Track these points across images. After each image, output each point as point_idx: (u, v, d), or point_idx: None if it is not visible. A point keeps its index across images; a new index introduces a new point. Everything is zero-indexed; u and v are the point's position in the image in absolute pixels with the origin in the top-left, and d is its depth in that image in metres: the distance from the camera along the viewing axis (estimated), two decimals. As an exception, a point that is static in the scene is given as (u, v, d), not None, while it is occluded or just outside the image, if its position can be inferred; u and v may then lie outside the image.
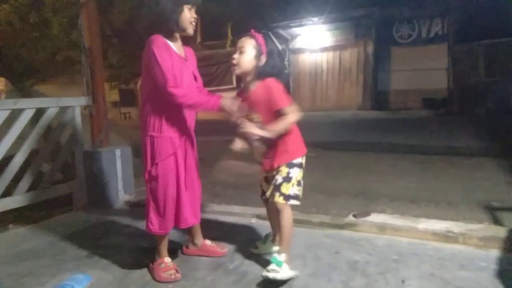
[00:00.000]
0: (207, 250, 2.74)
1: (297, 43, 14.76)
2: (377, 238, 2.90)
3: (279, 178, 2.34)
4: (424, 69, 12.66)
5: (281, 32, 13.80)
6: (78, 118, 4.00)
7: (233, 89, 14.01)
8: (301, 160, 2.39)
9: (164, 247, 2.53)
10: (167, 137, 2.38)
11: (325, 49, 14.41)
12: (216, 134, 9.19)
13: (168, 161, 2.39)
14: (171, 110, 2.37)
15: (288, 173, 2.33)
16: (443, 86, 12.26)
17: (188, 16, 2.36)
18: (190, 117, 2.51)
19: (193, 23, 2.40)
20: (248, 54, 2.36)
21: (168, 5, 2.29)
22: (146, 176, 2.44)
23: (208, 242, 2.77)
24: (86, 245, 3.00)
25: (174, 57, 2.32)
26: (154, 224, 2.45)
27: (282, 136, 2.32)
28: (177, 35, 2.42)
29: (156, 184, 2.41)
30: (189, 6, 2.35)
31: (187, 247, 2.80)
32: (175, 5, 2.31)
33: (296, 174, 2.35)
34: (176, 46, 2.40)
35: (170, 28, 2.35)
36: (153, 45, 2.27)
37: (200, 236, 2.77)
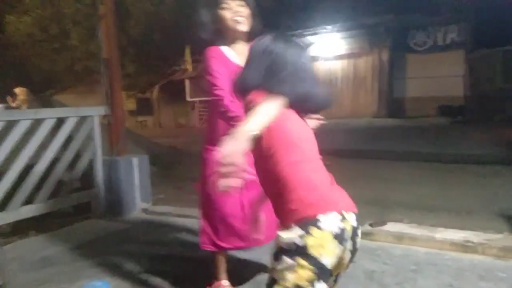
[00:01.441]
0: None
1: (311, 52, 14.80)
2: (393, 248, 2.88)
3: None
4: (440, 76, 12.54)
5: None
6: (97, 127, 4.07)
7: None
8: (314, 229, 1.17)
9: (219, 267, 2.27)
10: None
11: (339, 57, 14.41)
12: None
13: None
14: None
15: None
16: (459, 93, 12.13)
17: (228, 15, 2.08)
18: None
19: (238, 19, 2.08)
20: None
21: (203, 17, 2.14)
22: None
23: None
24: (105, 252, 3.05)
25: (229, 66, 2.08)
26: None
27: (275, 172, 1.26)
28: (233, 37, 2.15)
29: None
30: (223, 5, 2.08)
31: None
32: (210, 14, 2.12)
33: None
34: (237, 50, 2.15)
35: (219, 35, 2.15)
36: (205, 60, 2.13)
37: None
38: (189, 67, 17.10)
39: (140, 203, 4.12)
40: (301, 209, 1.19)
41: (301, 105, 1.34)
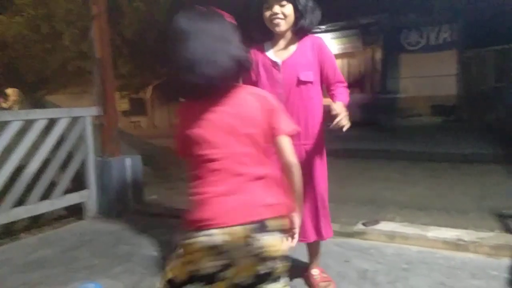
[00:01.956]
0: (309, 283, 2.38)
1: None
2: (386, 247, 2.89)
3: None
4: (433, 76, 12.61)
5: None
6: (89, 128, 4.05)
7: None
8: None
9: None
10: None
11: (333, 57, 14.44)
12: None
13: None
14: None
15: None
16: (452, 93, 12.20)
17: (267, 15, 2.11)
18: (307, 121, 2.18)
19: (275, 21, 2.09)
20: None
21: (250, 21, 2.19)
22: None
23: (315, 271, 2.40)
24: (97, 254, 3.03)
25: (264, 62, 2.16)
26: None
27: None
28: (275, 34, 2.17)
29: None
30: (266, 5, 2.11)
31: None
32: (252, 17, 2.18)
33: None
34: (278, 47, 2.18)
35: (261, 35, 2.20)
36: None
37: (311, 263, 2.43)
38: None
39: (133, 204, 4.11)
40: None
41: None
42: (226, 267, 1.25)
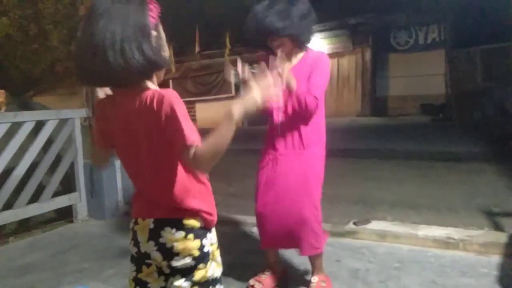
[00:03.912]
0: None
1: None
2: (377, 246, 2.90)
3: None
4: (422, 75, 12.71)
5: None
6: (78, 130, 4.01)
7: (231, 97, 14.06)
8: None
9: (268, 260, 2.41)
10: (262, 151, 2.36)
11: (323, 57, 14.49)
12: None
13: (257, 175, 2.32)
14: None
15: None
16: (441, 92, 12.31)
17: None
18: (284, 132, 2.24)
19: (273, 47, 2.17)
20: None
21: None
22: None
23: (314, 279, 2.33)
24: (87, 257, 3.00)
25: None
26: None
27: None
28: (275, 49, 2.20)
29: None
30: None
31: None
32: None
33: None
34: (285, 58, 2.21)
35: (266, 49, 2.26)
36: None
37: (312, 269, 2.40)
38: (172, 67, 16.97)
39: (123, 206, 4.07)
40: None
41: None
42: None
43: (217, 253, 1.37)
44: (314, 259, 2.32)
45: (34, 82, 14.14)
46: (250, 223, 3.41)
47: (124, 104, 1.21)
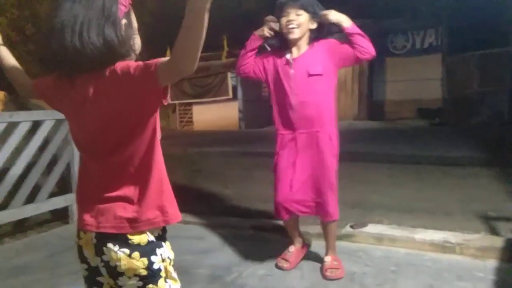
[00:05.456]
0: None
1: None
2: (374, 249, 2.90)
3: None
4: (418, 80, 12.77)
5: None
6: (75, 131, 3.99)
7: (229, 99, 14.07)
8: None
9: (290, 233, 2.69)
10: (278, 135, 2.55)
11: (320, 60, 14.52)
12: (214, 145, 9.22)
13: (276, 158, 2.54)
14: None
15: None
16: (437, 96, 12.37)
17: (283, 23, 2.42)
18: (301, 114, 2.44)
19: (290, 27, 2.39)
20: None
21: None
22: None
23: (327, 258, 2.60)
24: (83, 259, 2.98)
25: (280, 63, 2.49)
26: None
27: None
28: (288, 42, 2.47)
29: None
30: (283, 13, 2.42)
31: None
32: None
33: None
34: (294, 50, 2.48)
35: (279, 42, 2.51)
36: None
37: (326, 249, 2.67)
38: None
39: (119, 208, 4.05)
40: None
41: None
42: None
43: (171, 269, 1.23)
44: (329, 238, 2.56)
45: (31, 83, 14.11)
46: (246, 225, 3.41)
47: (86, 89, 1.12)
